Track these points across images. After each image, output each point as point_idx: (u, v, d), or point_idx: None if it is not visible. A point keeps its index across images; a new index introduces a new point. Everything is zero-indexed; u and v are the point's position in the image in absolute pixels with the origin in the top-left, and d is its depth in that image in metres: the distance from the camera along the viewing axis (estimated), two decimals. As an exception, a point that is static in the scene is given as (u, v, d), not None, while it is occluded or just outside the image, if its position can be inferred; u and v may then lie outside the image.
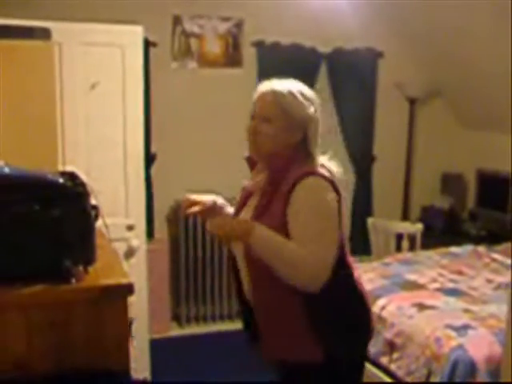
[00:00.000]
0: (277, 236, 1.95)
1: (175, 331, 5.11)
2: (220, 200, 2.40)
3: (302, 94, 2.14)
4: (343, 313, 2.11)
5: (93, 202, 1.80)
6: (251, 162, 2.31)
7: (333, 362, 2.06)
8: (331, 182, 2.04)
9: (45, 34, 2.79)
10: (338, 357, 2.08)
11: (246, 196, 2.29)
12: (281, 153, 2.10)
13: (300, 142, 2.12)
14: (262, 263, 1.96)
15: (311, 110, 2.13)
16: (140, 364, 3.64)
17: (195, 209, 2.27)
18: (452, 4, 4.70)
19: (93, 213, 1.79)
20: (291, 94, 2.11)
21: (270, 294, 2.05)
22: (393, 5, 5.26)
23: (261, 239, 1.94)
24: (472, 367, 2.96)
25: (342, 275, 2.07)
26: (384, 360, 3.44)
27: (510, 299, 1.69)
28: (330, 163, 2.16)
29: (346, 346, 2.12)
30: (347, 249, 2.17)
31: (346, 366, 2.14)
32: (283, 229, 1.99)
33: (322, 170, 2.07)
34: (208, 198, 2.35)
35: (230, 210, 2.40)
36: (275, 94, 2.11)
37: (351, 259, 2.20)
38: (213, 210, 2.33)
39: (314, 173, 2.03)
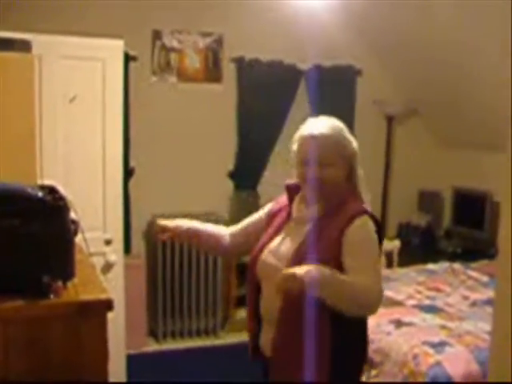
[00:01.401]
0: (338, 277, 1.96)
1: (152, 347, 5.06)
2: (194, 224, 2.47)
3: (341, 129, 2.22)
4: (356, 341, 2.23)
5: (72, 216, 1.78)
6: (290, 191, 2.33)
7: None
8: (375, 220, 2.16)
9: (25, 46, 2.77)
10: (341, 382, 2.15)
11: (283, 221, 2.31)
12: (338, 187, 2.19)
13: (348, 175, 2.22)
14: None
15: (355, 144, 2.23)
16: (116, 380, 3.60)
17: (166, 235, 2.38)
18: (433, 24, 4.77)
19: (72, 227, 1.78)
20: (336, 132, 2.19)
21: (302, 317, 2.04)
22: (372, 23, 5.32)
23: (329, 289, 1.93)
24: (450, 384, 2.97)
25: None
26: (363, 377, 3.43)
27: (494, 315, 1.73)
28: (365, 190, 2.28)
29: (350, 372, 2.22)
30: None
31: None
32: (335, 255, 2.05)
33: (368, 208, 2.18)
34: (180, 223, 2.42)
35: (209, 228, 2.49)
36: (325, 137, 2.16)
37: None
38: (186, 234, 2.42)
39: (364, 212, 2.13)
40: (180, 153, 5.25)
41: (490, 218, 5.30)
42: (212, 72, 5.29)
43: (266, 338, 2.24)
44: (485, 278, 4.52)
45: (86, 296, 1.72)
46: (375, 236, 2.12)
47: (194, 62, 5.21)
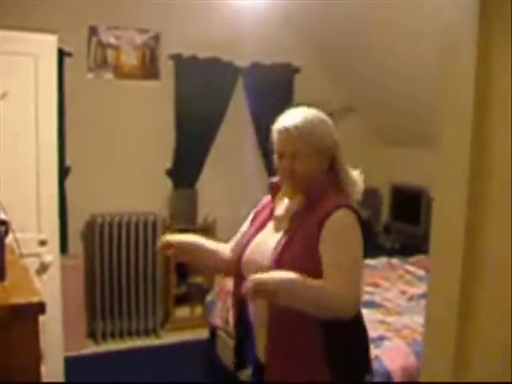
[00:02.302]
0: (299, 282, 1.89)
1: (91, 348, 4.97)
2: (196, 239, 2.37)
3: (320, 120, 2.15)
4: (355, 346, 2.16)
5: (1, 216, 1.73)
6: (273, 188, 2.28)
7: None
8: (358, 215, 2.07)
9: (-48, 41, 2.68)
10: None
11: (265, 218, 2.28)
12: (315, 180, 2.12)
13: (329, 167, 2.16)
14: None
15: (332, 133, 2.16)
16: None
17: (170, 251, 2.27)
18: (370, 22, 4.83)
19: (2, 228, 1.72)
20: (311, 123, 2.11)
21: (291, 317, 2.00)
22: (310, 22, 5.36)
23: (284, 294, 1.88)
24: (388, 378, 3.02)
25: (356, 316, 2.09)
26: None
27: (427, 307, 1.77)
28: (358, 177, 2.23)
29: (352, 373, 2.14)
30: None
31: None
32: (313, 252, 2.00)
33: (352, 203, 2.11)
34: (184, 239, 2.33)
35: (211, 245, 2.41)
36: (298, 128, 2.08)
37: None
38: (189, 250, 2.33)
39: (345, 205, 2.05)
40: (117, 151, 5.18)
41: (426, 214, 5.41)
42: (149, 69, 5.23)
43: (260, 344, 2.17)
44: (421, 272, 4.62)
45: (17, 299, 1.68)
46: (355, 231, 2.04)
47: (130, 58, 5.14)
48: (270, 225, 2.24)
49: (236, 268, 2.25)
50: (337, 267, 1.95)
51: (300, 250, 2.02)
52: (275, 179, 2.26)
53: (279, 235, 2.15)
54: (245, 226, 2.41)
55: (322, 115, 2.17)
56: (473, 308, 1.44)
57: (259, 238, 2.22)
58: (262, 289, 1.82)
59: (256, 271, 1.99)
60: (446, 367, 1.50)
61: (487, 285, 1.41)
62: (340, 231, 2.01)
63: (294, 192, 2.18)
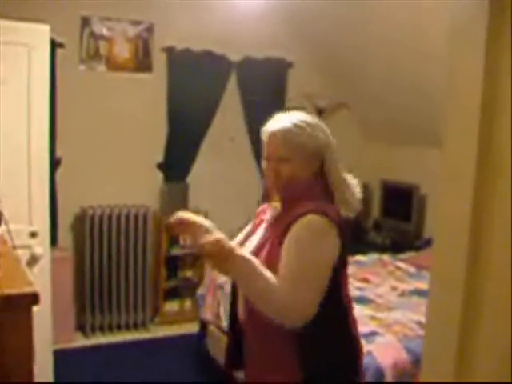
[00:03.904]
0: (256, 267, 1.84)
1: (80, 341, 4.95)
2: (207, 223, 2.21)
3: (308, 124, 2.11)
4: (331, 351, 2.06)
5: (-5, 206, 1.71)
6: (269, 193, 2.25)
7: None
8: (337, 225, 1.96)
9: None
10: None
11: (258, 224, 2.26)
12: (298, 185, 2.07)
13: (319, 171, 2.11)
14: None
15: (321, 137, 2.12)
16: (43, 376, 3.50)
17: (179, 232, 2.20)
18: (363, 18, 4.83)
19: (-5, 218, 1.70)
20: (298, 127, 2.08)
21: (263, 318, 1.94)
22: (304, 17, 5.34)
23: (238, 267, 1.82)
24: (379, 373, 3.02)
25: (335, 315, 2.05)
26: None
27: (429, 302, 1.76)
28: (353, 182, 2.16)
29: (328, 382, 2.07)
30: (347, 290, 2.14)
31: None
32: (277, 256, 1.94)
33: (332, 210, 2.01)
34: (197, 219, 2.20)
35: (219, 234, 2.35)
36: (283, 133, 2.06)
37: (350, 300, 2.17)
38: (199, 230, 2.17)
39: (318, 211, 1.96)
40: (109, 143, 5.16)
41: (417, 211, 5.43)
42: (142, 61, 5.20)
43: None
44: (412, 269, 4.64)
45: (10, 290, 1.65)
46: (321, 238, 1.93)
47: (123, 50, 5.10)
48: (260, 230, 2.23)
49: None
50: (288, 273, 1.87)
51: (267, 256, 1.99)
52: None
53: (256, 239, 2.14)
54: (247, 228, 2.36)
55: (310, 119, 2.14)
56: (476, 307, 1.44)
57: (248, 243, 2.20)
58: (216, 248, 1.77)
59: None
60: (447, 367, 1.50)
61: (491, 284, 1.41)
62: (301, 236, 1.93)
63: (277, 195, 2.16)
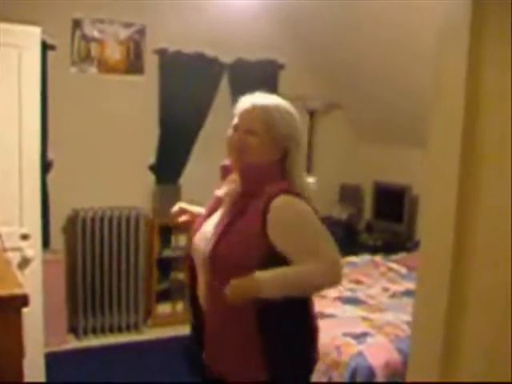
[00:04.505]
0: (279, 273, 1.94)
1: (72, 343, 4.94)
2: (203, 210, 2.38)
3: (288, 112, 2.14)
4: (292, 342, 2.10)
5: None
6: (224, 171, 2.26)
7: None
8: (304, 200, 2.05)
9: None
10: (281, 382, 2.07)
11: (216, 202, 2.28)
12: (260, 167, 2.09)
13: (280, 159, 2.12)
14: (225, 275, 1.94)
15: (294, 128, 2.14)
16: (35, 378, 3.49)
17: (184, 218, 2.37)
18: (354, 19, 4.84)
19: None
20: (278, 109, 2.11)
21: (225, 308, 1.98)
22: (295, 18, 5.36)
23: (272, 289, 1.92)
24: (370, 374, 3.03)
25: (298, 308, 2.11)
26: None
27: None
28: (311, 181, 2.20)
29: (290, 372, 2.10)
30: None
31: None
32: (255, 239, 1.98)
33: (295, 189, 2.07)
34: (195, 208, 2.43)
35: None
36: (262, 109, 2.10)
37: None
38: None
39: (286, 191, 2.03)
40: (100, 146, 5.15)
41: (409, 212, 5.44)
42: (133, 63, 5.20)
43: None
44: (403, 270, 4.65)
45: (0, 291, 1.66)
46: (305, 210, 2.03)
47: (115, 52, 5.10)
48: (220, 208, 2.24)
49: (187, 256, 2.28)
50: (306, 251, 1.98)
51: (239, 239, 2.01)
52: (227, 162, 2.23)
53: (217, 219, 2.17)
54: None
55: (291, 108, 2.18)
56: (461, 306, 1.45)
57: (207, 224, 2.22)
58: (238, 291, 1.87)
59: (202, 259, 2.06)
60: (432, 367, 1.51)
61: (476, 281, 1.42)
62: (290, 216, 2.00)
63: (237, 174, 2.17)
